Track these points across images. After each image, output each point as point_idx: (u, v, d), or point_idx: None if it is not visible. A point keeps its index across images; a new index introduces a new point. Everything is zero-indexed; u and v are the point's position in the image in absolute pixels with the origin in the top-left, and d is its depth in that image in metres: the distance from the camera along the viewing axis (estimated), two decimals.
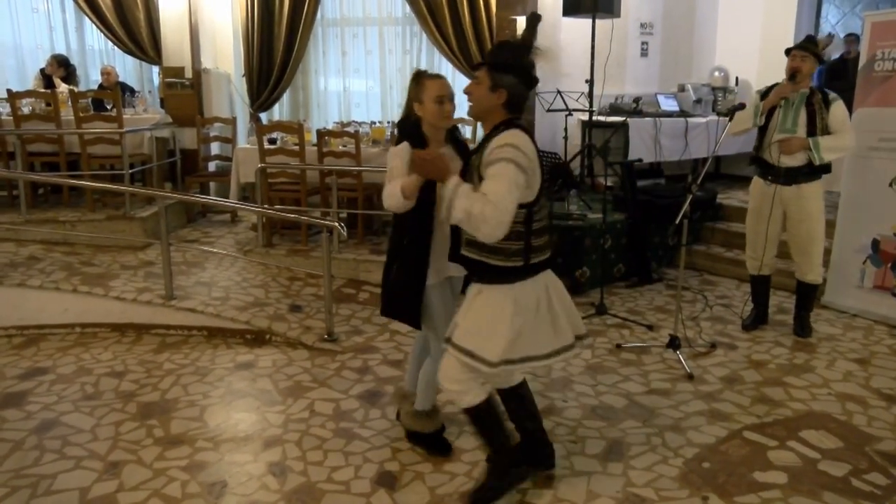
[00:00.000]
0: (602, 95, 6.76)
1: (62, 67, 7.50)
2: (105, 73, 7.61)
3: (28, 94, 6.58)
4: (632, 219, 5.77)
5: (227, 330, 4.61)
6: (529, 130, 2.53)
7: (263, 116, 8.02)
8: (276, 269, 5.59)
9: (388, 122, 6.85)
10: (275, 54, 7.72)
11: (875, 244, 4.83)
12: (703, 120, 6.99)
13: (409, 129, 2.82)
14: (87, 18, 7.95)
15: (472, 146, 2.96)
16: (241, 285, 5.25)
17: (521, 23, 6.89)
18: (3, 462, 3.09)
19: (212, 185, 7.63)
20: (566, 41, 7.23)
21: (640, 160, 6.33)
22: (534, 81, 2.53)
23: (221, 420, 3.50)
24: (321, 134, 5.87)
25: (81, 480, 2.95)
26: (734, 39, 7.84)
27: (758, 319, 4.74)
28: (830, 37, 4.55)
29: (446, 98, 2.76)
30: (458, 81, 8.02)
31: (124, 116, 6.39)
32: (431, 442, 3.17)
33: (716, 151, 4.60)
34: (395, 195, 2.66)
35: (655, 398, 3.70)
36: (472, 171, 2.50)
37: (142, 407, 3.63)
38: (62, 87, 7.14)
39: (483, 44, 7.15)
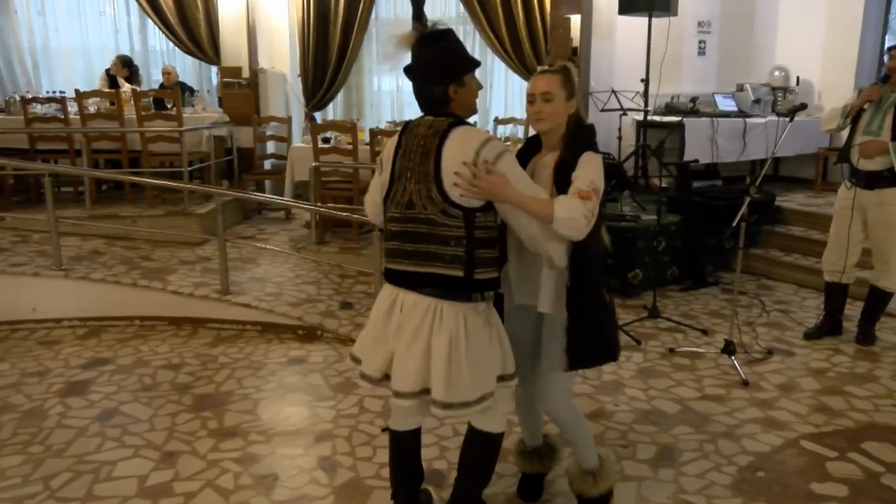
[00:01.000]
0: (658, 95, 6.64)
1: (126, 68, 7.75)
2: (166, 73, 7.84)
3: (93, 93, 6.83)
4: (687, 221, 5.66)
5: (280, 325, 4.69)
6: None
7: (318, 116, 8.14)
8: (327, 267, 5.66)
9: None
10: (329, 54, 7.83)
11: None
12: (761, 120, 6.80)
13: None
14: (149, 20, 8.19)
15: (517, 146, 2.81)
16: (294, 282, 5.34)
17: (575, 22, 6.83)
18: (67, 448, 3.21)
19: (267, 182, 7.77)
20: (621, 40, 7.13)
21: (696, 161, 6.21)
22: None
23: (273, 414, 3.57)
24: (374, 133, 5.93)
25: (139, 469, 3.04)
26: (796, 37, 7.60)
27: (825, 330, 4.55)
28: None
29: (536, 97, 2.38)
30: (511, 81, 8.00)
31: (183, 115, 6.56)
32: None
33: (775, 153, 4.48)
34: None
35: (709, 404, 3.62)
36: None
37: (197, 399, 3.72)
38: (125, 87, 7.38)
39: (537, 44, 7.11)
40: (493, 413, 2.44)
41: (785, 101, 7.25)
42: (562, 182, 2.28)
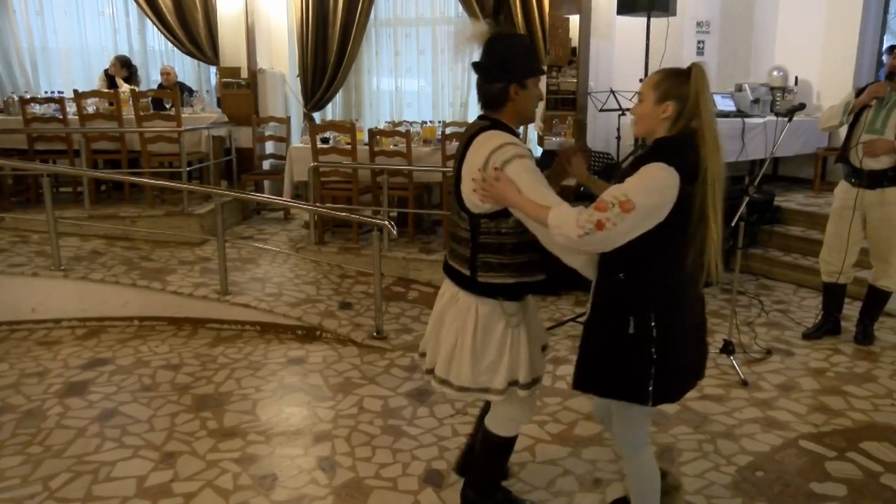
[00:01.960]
0: None
1: (124, 68, 7.75)
2: (164, 73, 7.84)
3: (92, 94, 6.82)
4: None
5: (280, 325, 4.69)
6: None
7: (317, 116, 8.14)
8: (327, 267, 5.66)
9: (439, 122, 6.87)
10: (328, 55, 7.82)
11: None
12: (760, 120, 6.81)
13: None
14: (148, 20, 8.19)
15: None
16: (294, 282, 5.34)
17: (574, 22, 6.82)
18: (67, 448, 3.21)
19: (266, 183, 7.77)
20: (620, 40, 7.13)
21: None
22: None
23: (273, 414, 3.57)
24: (373, 133, 5.93)
25: (139, 469, 3.05)
26: (795, 38, 7.61)
27: (824, 330, 4.54)
28: None
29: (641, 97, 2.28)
30: None
31: (182, 115, 6.56)
32: None
33: (774, 153, 4.48)
34: None
35: (708, 404, 3.62)
36: None
37: (196, 399, 3.72)
38: (124, 87, 7.37)
39: (536, 43, 7.10)
40: (499, 413, 2.51)
41: (784, 101, 7.24)
42: None
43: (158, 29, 8.03)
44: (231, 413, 3.57)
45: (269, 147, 7.74)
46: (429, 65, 8.28)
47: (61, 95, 6.85)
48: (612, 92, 6.34)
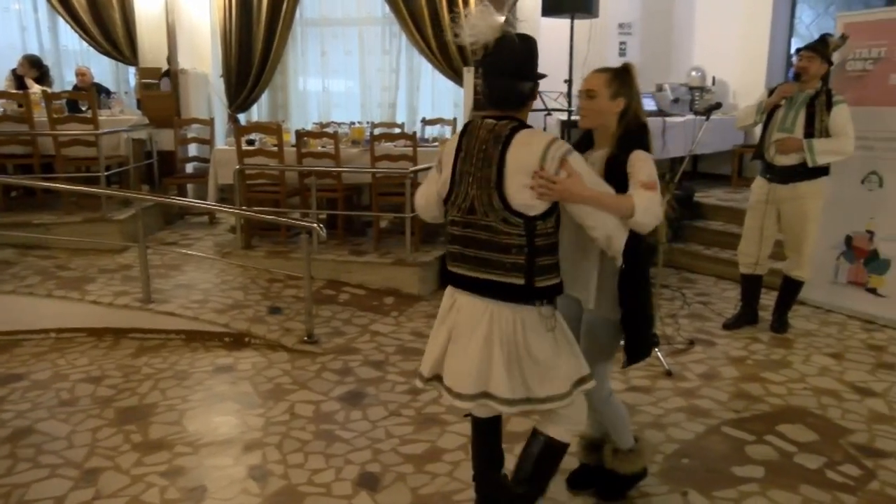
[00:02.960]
0: None
1: (34, 68, 7.39)
2: (80, 73, 7.53)
3: None
4: None
5: (206, 333, 4.57)
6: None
7: (242, 117, 7.98)
8: (255, 272, 5.55)
9: (368, 123, 6.83)
10: (253, 55, 7.69)
11: (848, 240, 4.90)
12: (680, 119, 7.03)
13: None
14: (60, 18, 7.85)
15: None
16: (220, 288, 5.22)
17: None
18: None
19: (190, 186, 7.56)
20: (545, 41, 7.23)
21: None
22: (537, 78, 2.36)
23: (201, 424, 3.47)
24: (300, 135, 5.85)
25: (57, 489, 2.91)
26: (712, 39, 7.90)
27: (743, 320, 4.73)
28: (843, 38, 4.55)
29: (584, 94, 2.46)
30: (438, 82, 8.02)
31: (100, 118, 6.32)
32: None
33: (693, 150, 4.63)
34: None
35: (636, 395, 3.72)
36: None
37: (119, 412, 3.59)
38: (35, 89, 7.04)
39: (463, 45, 7.13)
40: (564, 419, 2.40)
41: (702, 100, 7.51)
42: (610, 179, 2.28)
43: (72, 27, 7.72)
44: (157, 425, 3.46)
45: (193, 150, 7.55)
46: (356, 65, 8.22)
47: None
48: (539, 92, 6.42)
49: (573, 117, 6.64)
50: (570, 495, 2.83)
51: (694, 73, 7.75)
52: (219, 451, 3.20)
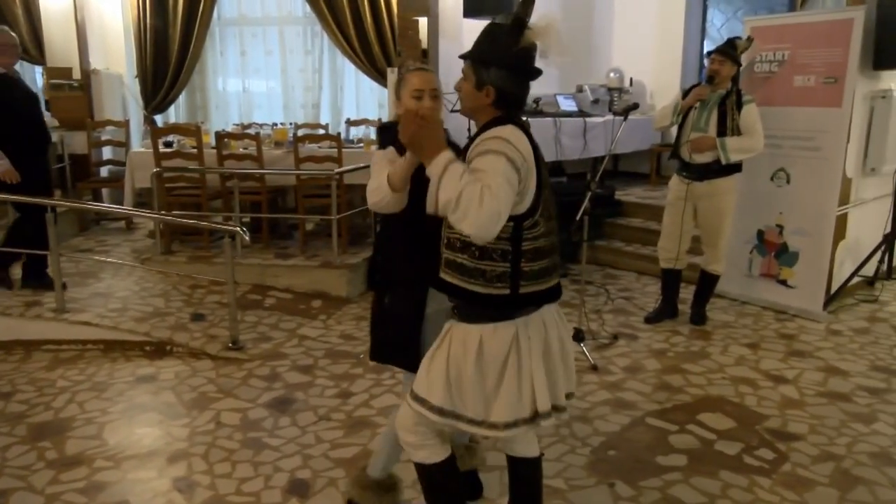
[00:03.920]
0: None
1: None
2: None
3: None
4: None
5: (126, 342, 4.41)
6: (528, 130, 2.09)
7: (158, 119, 7.74)
8: (176, 278, 5.39)
9: (291, 124, 6.73)
10: (170, 54, 7.46)
11: (760, 235, 5.14)
12: (600, 119, 7.22)
13: (393, 130, 2.24)
14: None
15: None
16: (140, 295, 5.04)
17: (423, 24, 6.91)
18: None
19: (104, 191, 7.28)
20: (468, 42, 7.29)
21: None
22: (533, 73, 2.14)
23: (122, 437, 3.34)
24: (220, 136, 5.71)
25: None
26: (629, 41, 8.14)
27: (664, 314, 4.88)
28: (750, 40, 4.75)
29: (426, 93, 2.33)
30: (361, 82, 7.97)
31: None
32: None
33: (613, 150, 4.76)
34: (381, 187, 2.17)
35: None
36: None
37: (32, 429, 3.42)
38: None
39: (386, 45, 7.13)
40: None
41: (620, 101, 7.73)
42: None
43: None
44: (74, 440, 3.31)
45: (107, 153, 7.27)
46: (278, 65, 8.09)
47: None
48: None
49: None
50: (501, 491, 2.86)
51: (612, 75, 7.96)
52: (142, 464, 3.09)
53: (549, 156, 6.68)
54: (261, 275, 5.41)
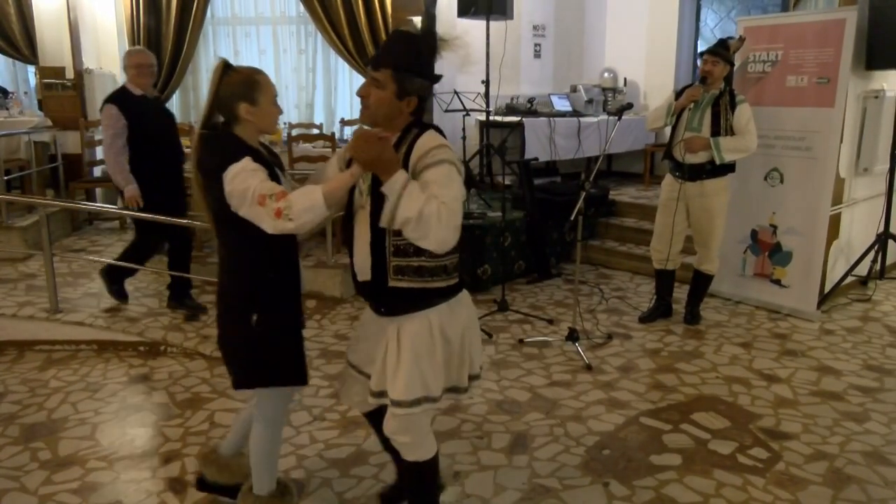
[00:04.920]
0: (498, 96, 6.88)
1: None
2: None
3: None
4: (530, 216, 5.91)
5: (119, 343, 4.39)
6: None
7: None
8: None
9: (285, 124, 6.73)
10: (163, 54, 7.42)
11: (754, 234, 5.15)
12: (594, 119, 7.24)
13: (233, 137, 2.25)
14: None
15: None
16: (133, 295, 5.02)
17: (417, 23, 6.92)
18: None
19: (98, 191, 7.25)
20: (461, 42, 7.30)
21: (535, 159, 6.49)
22: (438, 79, 2.16)
23: (116, 437, 3.33)
24: None
25: None
26: (622, 42, 8.17)
27: (658, 313, 4.89)
28: (742, 40, 4.77)
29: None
30: (357, 82, 7.95)
31: None
32: None
33: (607, 150, 4.77)
34: (316, 206, 2.04)
35: (557, 390, 3.80)
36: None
37: (25, 429, 3.40)
38: None
39: (380, 44, 7.12)
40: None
41: (614, 101, 7.75)
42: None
43: None
44: (67, 440, 3.30)
45: (100, 152, 7.22)
46: (271, 65, 8.06)
47: None
48: (457, 93, 6.48)
49: (492, 117, 6.73)
50: (495, 491, 2.86)
51: (606, 75, 7.98)
52: (135, 465, 3.08)
53: (543, 155, 6.72)
54: None
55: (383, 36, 7.08)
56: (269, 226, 2.06)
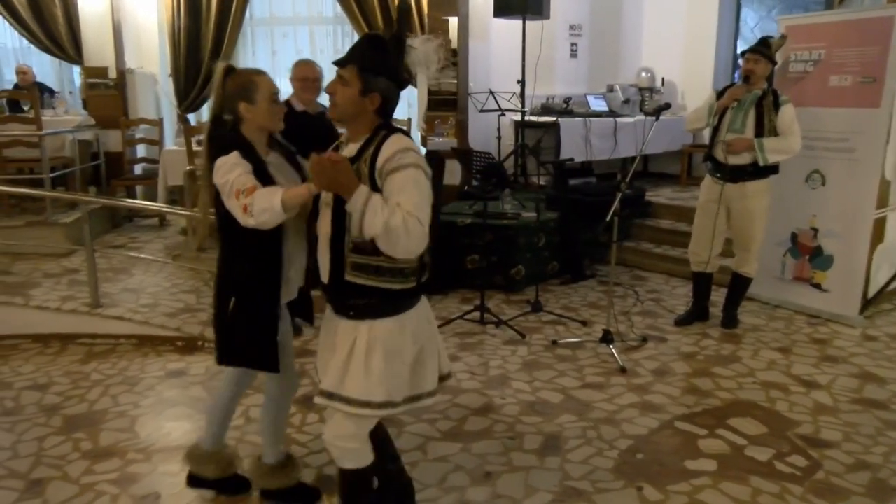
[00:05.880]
0: (533, 96, 6.85)
1: None
2: (21, 72, 7.30)
3: None
4: (564, 217, 5.87)
5: (157, 337, 4.48)
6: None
7: (191, 117, 7.83)
8: (207, 274, 5.44)
9: None
10: (202, 54, 7.55)
11: (794, 237, 5.05)
12: (631, 119, 7.16)
13: (232, 135, 2.38)
14: None
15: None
16: (171, 291, 5.11)
17: (453, 24, 6.92)
18: None
19: (138, 188, 7.41)
20: (497, 42, 7.30)
21: (571, 159, 6.45)
22: (405, 84, 2.25)
23: (153, 430, 3.40)
24: None
25: (1, 501, 2.81)
26: (659, 41, 8.07)
27: (695, 316, 4.83)
28: (784, 38, 4.69)
29: (278, 97, 2.42)
30: None
31: (43, 118, 6.13)
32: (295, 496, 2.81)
33: (643, 150, 4.72)
34: (273, 209, 2.15)
35: (590, 392, 3.77)
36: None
37: (67, 420, 3.49)
38: None
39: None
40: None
41: (651, 101, 7.66)
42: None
43: (10, 24, 7.46)
44: (107, 432, 3.37)
45: (141, 150, 7.39)
46: None
47: None
48: (492, 92, 6.48)
49: (527, 117, 6.71)
50: (525, 493, 2.85)
51: (643, 74, 7.90)
52: (171, 457, 3.14)
53: (578, 156, 6.67)
54: None
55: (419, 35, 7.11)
56: (240, 219, 2.22)
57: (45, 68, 8.32)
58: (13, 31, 7.81)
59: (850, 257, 4.79)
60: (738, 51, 7.63)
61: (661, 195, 6.92)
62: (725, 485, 2.90)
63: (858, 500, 2.80)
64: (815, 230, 4.93)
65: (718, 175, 4.51)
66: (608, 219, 4.12)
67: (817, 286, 4.97)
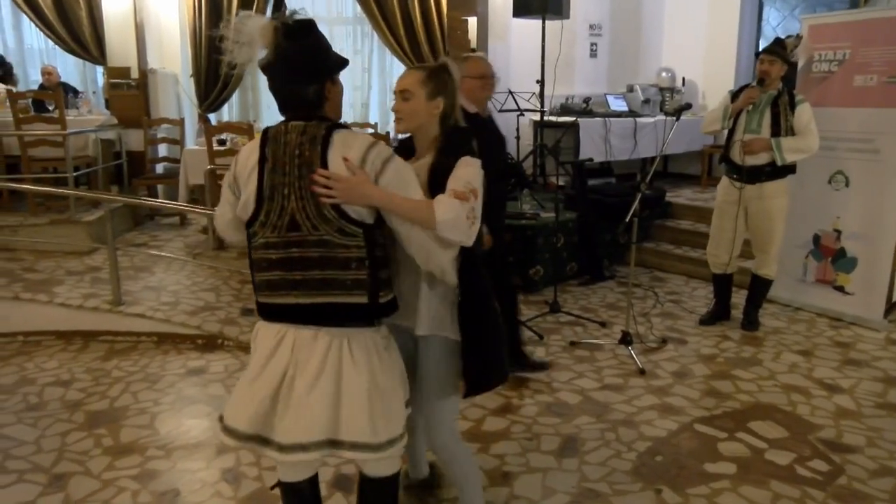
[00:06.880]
0: (553, 96, 6.83)
1: None
2: (46, 73, 7.39)
3: None
4: (583, 217, 5.85)
5: (178, 335, 4.52)
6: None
7: (212, 117, 7.89)
8: (227, 273, 5.50)
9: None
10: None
11: (816, 239, 4.99)
12: (651, 120, 7.12)
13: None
14: (24, 16, 7.70)
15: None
16: (191, 289, 5.15)
17: (472, 24, 6.92)
18: None
19: (160, 187, 7.47)
20: (516, 42, 7.29)
21: (590, 160, 6.42)
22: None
23: (173, 427, 3.43)
24: None
25: (24, 494, 2.86)
26: (680, 40, 8.01)
27: (717, 316, 4.81)
28: (799, 38, 4.64)
29: (398, 95, 2.23)
30: None
31: (67, 118, 6.20)
32: None
33: (663, 151, 4.69)
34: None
35: (609, 393, 3.75)
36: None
37: (89, 416, 3.53)
38: None
39: (434, 44, 7.15)
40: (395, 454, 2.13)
41: (672, 101, 7.61)
42: (436, 189, 2.02)
43: (36, 25, 7.56)
44: (128, 428, 3.41)
45: (162, 150, 7.45)
46: None
47: None
48: (511, 93, 6.46)
49: (546, 117, 6.69)
50: (543, 494, 2.84)
51: (664, 74, 7.84)
52: (191, 454, 3.17)
53: (598, 156, 6.65)
54: None
55: (438, 36, 7.11)
56: (469, 229, 2.06)
57: (70, 69, 8.43)
58: (39, 33, 7.91)
59: (875, 260, 4.72)
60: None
61: (681, 196, 6.87)
62: (745, 488, 2.87)
63: None
64: (839, 232, 4.87)
65: (735, 176, 4.47)
66: (627, 219, 4.10)
67: (840, 289, 4.90)
